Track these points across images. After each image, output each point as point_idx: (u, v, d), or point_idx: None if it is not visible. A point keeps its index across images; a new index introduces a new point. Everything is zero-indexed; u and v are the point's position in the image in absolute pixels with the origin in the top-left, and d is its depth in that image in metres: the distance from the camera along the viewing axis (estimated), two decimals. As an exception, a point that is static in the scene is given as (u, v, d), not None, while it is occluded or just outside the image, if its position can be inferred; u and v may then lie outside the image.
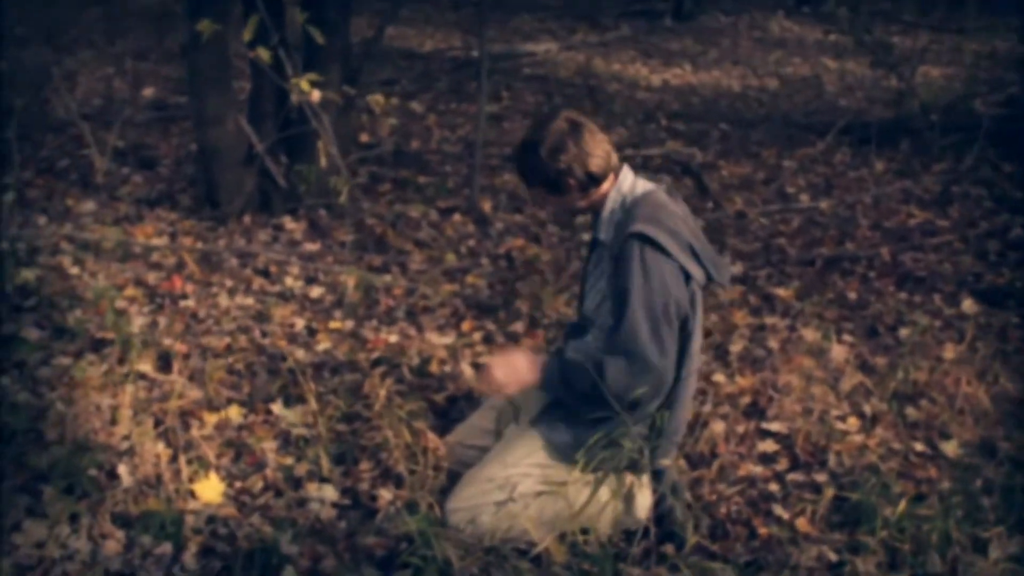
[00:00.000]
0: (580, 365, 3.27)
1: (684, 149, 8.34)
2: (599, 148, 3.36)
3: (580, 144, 3.33)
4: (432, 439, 3.75)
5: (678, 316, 3.28)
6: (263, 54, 4.53)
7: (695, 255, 3.33)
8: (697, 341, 3.44)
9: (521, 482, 3.37)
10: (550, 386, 3.37)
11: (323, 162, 4.82)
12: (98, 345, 4.45)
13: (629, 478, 3.40)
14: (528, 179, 3.45)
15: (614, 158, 3.41)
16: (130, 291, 5.17)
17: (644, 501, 3.43)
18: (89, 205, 6.37)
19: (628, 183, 3.42)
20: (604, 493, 3.36)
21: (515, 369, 3.38)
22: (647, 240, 3.22)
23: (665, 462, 3.43)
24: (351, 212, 6.34)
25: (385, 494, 3.62)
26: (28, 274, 5.14)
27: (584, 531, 3.37)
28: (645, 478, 3.44)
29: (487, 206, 6.75)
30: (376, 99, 4.83)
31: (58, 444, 3.67)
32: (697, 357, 3.48)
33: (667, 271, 3.24)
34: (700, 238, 3.40)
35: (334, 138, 5.60)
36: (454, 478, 3.54)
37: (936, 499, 3.67)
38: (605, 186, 3.40)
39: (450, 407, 4.24)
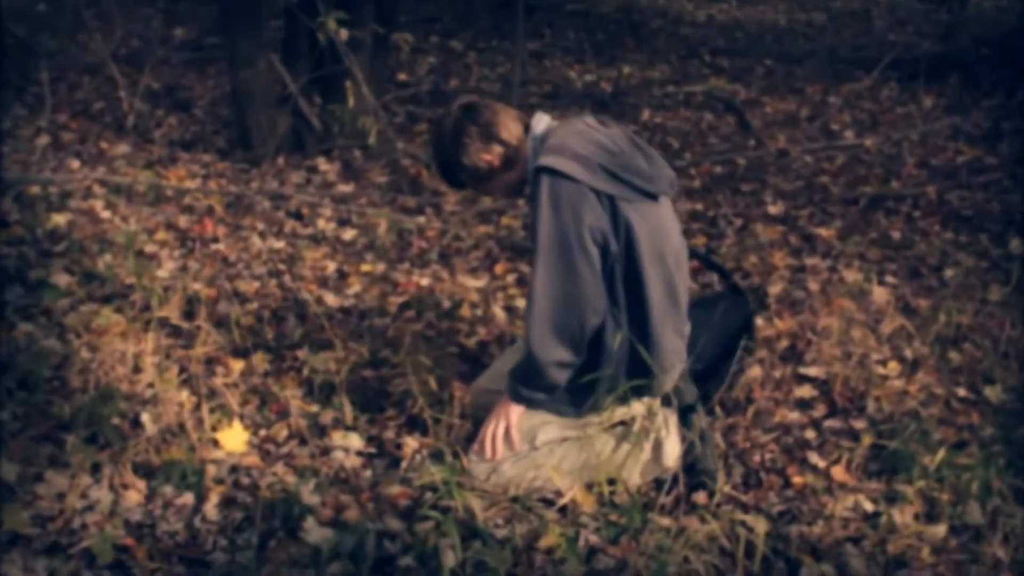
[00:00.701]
0: (519, 367, 3.26)
1: (727, 86, 8.20)
2: (500, 115, 3.29)
3: (479, 121, 3.27)
4: (458, 387, 3.69)
5: (597, 242, 3.12)
6: (294, -8, 4.44)
7: (612, 174, 3.15)
8: (662, 262, 3.24)
9: (542, 430, 3.31)
10: (528, 400, 3.30)
11: (351, 102, 4.74)
12: (128, 291, 4.41)
13: (656, 425, 3.32)
14: (456, 182, 3.40)
15: (522, 118, 3.33)
16: (161, 235, 5.13)
17: (673, 449, 3.35)
18: (122, 148, 6.33)
19: (541, 127, 3.30)
20: (630, 441, 3.29)
21: (495, 430, 3.33)
22: (550, 171, 3.09)
23: (667, 387, 3.32)
24: (385, 152, 6.24)
25: (410, 442, 3.56)
26: (59, 218, 5.10)
27: (611, 481, 3.30)
28: (673, 425, 3.36)
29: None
30: (404, 37, 4.74)
31: (82, 392, 3.63)
32: (664, 277, 3.26)
33: (577, 197, 3.09)
34: (627, 153, 3.21)
35: (366, 78, 5.52)
36: (479, 425, 3.47)
37: (977, 447, 3.57)
38: (526, 147, 3.30)
39: (481, 352, 4.18)
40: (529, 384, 3.26)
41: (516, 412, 3.31)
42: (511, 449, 3.30)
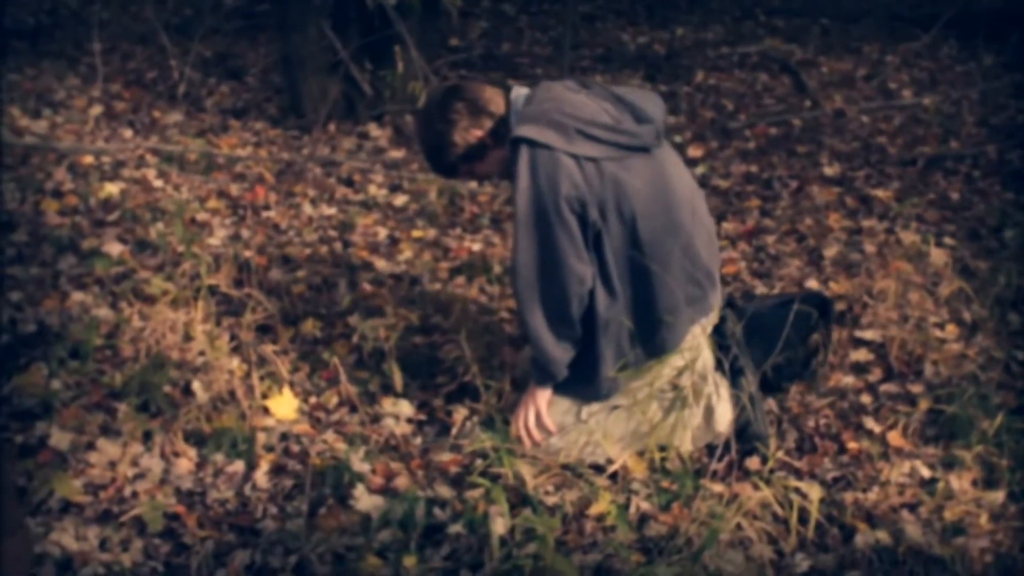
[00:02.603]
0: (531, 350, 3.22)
1: (782, 46, 8.08)
2: (484, 90, 3.23)
3: (465, 97, 3.21)
4: (508, 353, 3.67)
5: (575, 210, 3.04)
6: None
7: (591, 136, 3.07)
8: (669, 212, 3.17)
9: (587, 403, 3.28)
10: (545, 379, 3.27)
11: (401, 67, 4.70)
12: (179, 259, 4.42)
13: (707, 390, 3.28)
14: (448, 166, 3.32)
15: (503, 92, 3.26)
16: (213, 203, 5.13)
17: (724, 414, 3.31)
18: (174, 117, 6.35)
19: (521, 99, 3.22)
20: (679, 407, 3.25)
21: (526, 420, 3.30)
22: (526, 141, 3.04)
23: (683, 338, 3.27)
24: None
25: (460, 409, 3.55)
26: (112, 188, 5.12)
27: (662, 447, 3.27)
28: (725, 390, 3.32)
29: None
30: (454, 1, 4.71)
31: (133, 361, 3.65)
32: (672, 227, 3.19)
33: (551, 165, 3.02)
34: (609, 112, 3.15)
35: (416, 42, 5.49)
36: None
37: (1037, 414, 3.50)
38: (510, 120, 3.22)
39: (532, 318, 4.14)
40: (538, 363, 3.23)
41: (543, 396, 3.28)
42: (548, 432, 3.28)
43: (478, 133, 3.21)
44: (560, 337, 3.17)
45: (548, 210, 3.02)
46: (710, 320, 3.33)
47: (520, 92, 3.24)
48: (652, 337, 3.22)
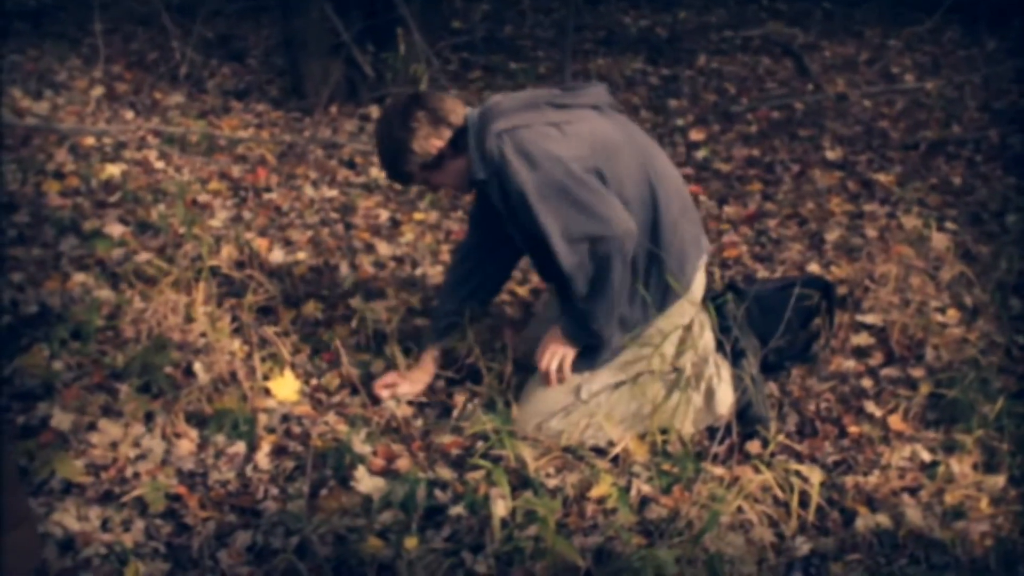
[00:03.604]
0: (586, 310, 3.16)
1: (785, 29, 8.07)
2: (445, 101, 3.22)
3: (427, 106, 3.19)
4: (509, 335, 3.67)
5: (588, 168, 3.05)
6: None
7: (558, 105, 3.11)
8: (645, 157, 3.20)
9: (586, 382, 3.28)
10: (590, 339, 3.24)
11: (403, 49, 4.69)
12: (181, 241, 4.42)
13: (708, 372, 3.29)
14: (403, 174, 3.28)
15: (461, 103, 3.26)
16: (214, 185, 5.13)
17: (725, 397, 3.32)
18: (176, 98, 6.34)
19: (475, 114, 3.20)
20: (682, 390, 3.26)
21: (551, 359, 3.27)
22: (507, 132, 3.04)
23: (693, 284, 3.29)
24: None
25: (462, 392, 3.55)
26: (113, 169, 5.11)
27: (664, 430, 3.27)
28: (725, 372, 3.33)
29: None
30: (456, -17, 4.67)
31: (135, 342, 3.65)
32: (657, 173, 3.21)
33: (541, 140, 3.03)
34: (562, 88, 3.20)
35: (418, 25, 5.48)
36: (528, 374, 3.44)
37: (1038, 396, 3.51)
38: (468, 136, 3.19)
39: (534, 299, 4.15)
40: (586, 330, 3.20)
41: (572, 351, 3.26)
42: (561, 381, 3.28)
43: (437, 143, 3.19)
44: (617, 304, 3.14)
45: (561, 179, 3.00)
46: (705, 262, 3.37)
47: (472, 110, 3.23)
48: (663, 283, 3.22)
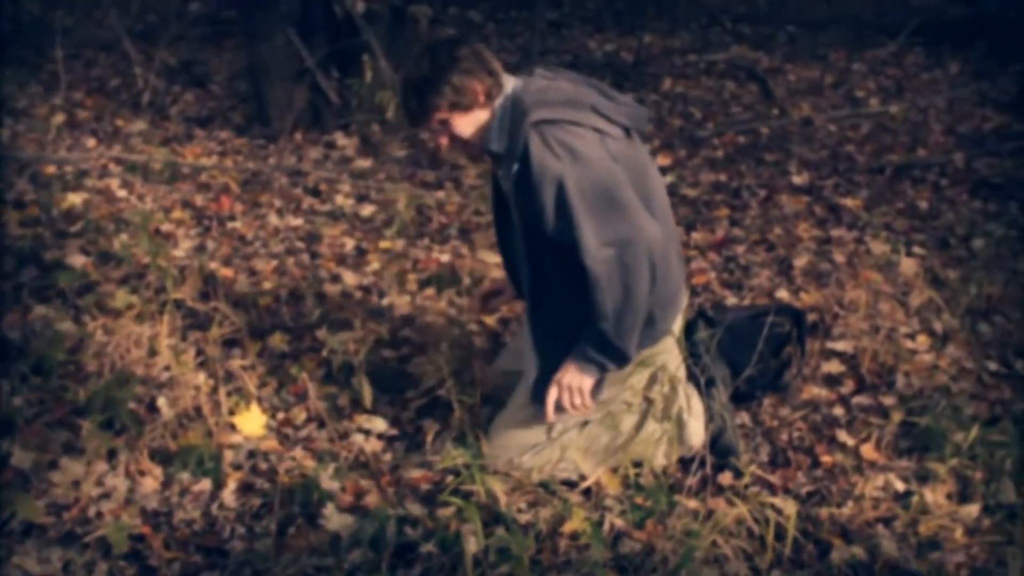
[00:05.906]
0: (605, 329, 3.01)
1: (749, 53, 8.09)
2: (488, 52, 3.08)
3: (474, 49, 3.05)
4: (479, 367, 3.63)
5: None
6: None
7: (601, 114, 3.03)
8: (662, 192, 3.18)
9: (559, 419, 3.20)
10: (598, 361, 3.08)
11: (369, 76, 4.65)
12: (144, 271, 4.35)
13: (678, 403, 3.25)
14: (427, 107, 3.06)
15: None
16: (177, 213, 5.07)
17: (697, 429, 3.28)
18: (139, 125, 6.28)
19: (511, 84, 3.09)
20: (653, 422, 3.22)
21: (567, 385, 3.13)
22: (549, 123, 2.95)
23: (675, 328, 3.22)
24: (404, 127, 6.15)
25: (432, 424, 3.50)
26: (75, 198, 5.05)
27: (637, 464, 3.23)
28: (696, 405, 3.29)
29: (544, 118, 6.55)
30: (422, 10, 4.66)
31: (97, 376, 3.58)
32: (665, 209, 3.18)
33: (583, 139, 2.95)
34: (604, 92, 3.11)
35: (384, 51, 5.44)
36: (497, 407, 3.40)
37: (1010, 422, 3.49)
38: (497, 101, 3.08)
39: (503, 329, 4.11)
40: (610, 349, 3.05)
41: (591, 380, 3.11)
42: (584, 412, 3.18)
43: (476, 86, 3.04)
44: (641, 318, 3.02)
45: (602, 176, 2.92)
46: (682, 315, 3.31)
47: (510, 78, 3.10)
48: (653, 321, 3.12)
